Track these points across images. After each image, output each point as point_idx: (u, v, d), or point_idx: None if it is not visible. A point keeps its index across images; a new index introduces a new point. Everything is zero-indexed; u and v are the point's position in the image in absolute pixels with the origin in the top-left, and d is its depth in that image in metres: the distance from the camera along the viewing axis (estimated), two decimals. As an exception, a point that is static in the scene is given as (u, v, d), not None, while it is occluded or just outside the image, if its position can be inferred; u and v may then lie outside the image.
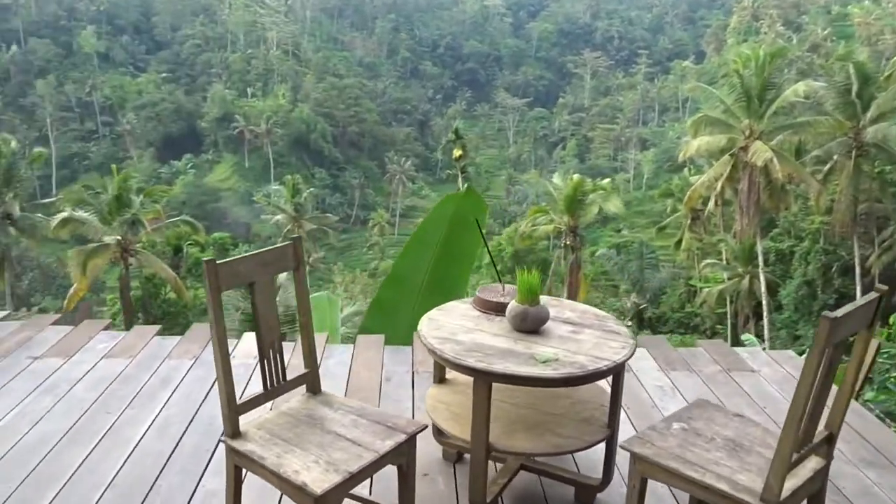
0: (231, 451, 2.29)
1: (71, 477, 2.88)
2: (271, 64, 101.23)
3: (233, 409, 2.31)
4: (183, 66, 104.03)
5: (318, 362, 3.98)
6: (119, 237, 29.37)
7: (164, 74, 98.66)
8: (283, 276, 26.18)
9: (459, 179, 53.90)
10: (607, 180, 31.81)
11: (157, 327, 4.55)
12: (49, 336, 4.27)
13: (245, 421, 2.39)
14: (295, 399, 2.60)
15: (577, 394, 2.99)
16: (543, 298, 3.12)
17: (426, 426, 2.42)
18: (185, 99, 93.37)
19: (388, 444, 2.27)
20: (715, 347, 4.33)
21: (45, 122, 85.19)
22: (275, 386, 2.48)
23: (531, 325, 2.74)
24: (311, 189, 52.65)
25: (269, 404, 2.79)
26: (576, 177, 29.42)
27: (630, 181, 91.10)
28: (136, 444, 3.13)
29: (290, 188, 45.23)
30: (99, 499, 2.75)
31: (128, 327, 26.76)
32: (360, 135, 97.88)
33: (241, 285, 2.37)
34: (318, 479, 2.07)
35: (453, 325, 2.84)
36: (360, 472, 2.15)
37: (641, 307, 42.93)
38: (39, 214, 34.34)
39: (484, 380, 2.49)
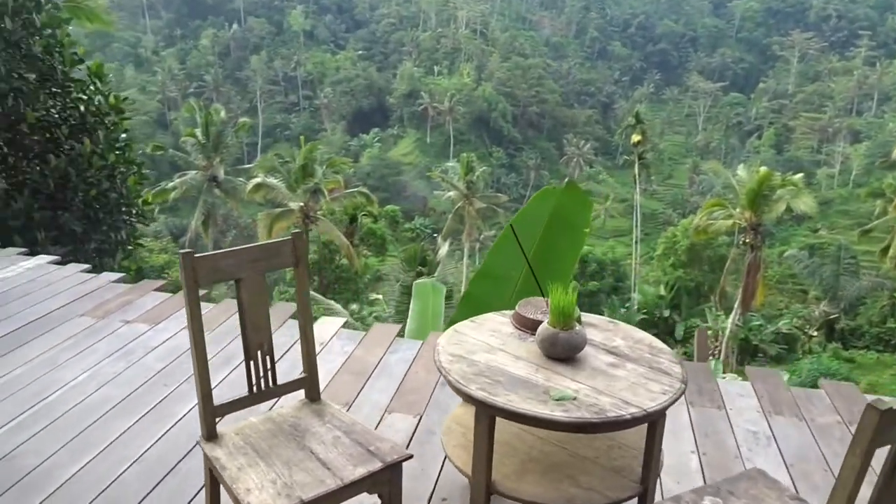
0: (205, 455, 2.18)
1: (107, 447, 2.96)
2: (459, 43, 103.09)
3: (209, 411, 2.19)
4: (377, 44, 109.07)
5: (383, 356, 3.84)
6: (302, 203, 31.47)
7: (360, 52, 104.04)
8: (442, 252, 26.51)
9: (636, 165, 51.70)
10: (799, 175, 28.64)
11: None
12: (147, 302, 4.50)
13: (234, 421, 2.28)
14: (289, 404, 2.43)
15: (622, 435, 2.56)
16: (596, 319, 2.71)
17: (411, 455, 2.14)
18: (377, 75, 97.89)
19: (357, 472, 2.04)
20: (841, 391, 3.58)
21: (255, 94, 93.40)
22: (262, 390, 2.33)
23: (561, 352, 2.35)
24: (485, 168, 52.95)
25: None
26: (763, 170, 26.82)
27: (835, 177, 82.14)
28: (176, 422, 3.17)
29: (465, 166, 45.79)
30: (122, 472, 2.79)
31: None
32: (541, 115, 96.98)
33: (224, 281, 2.23)
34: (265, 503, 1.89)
35: (476, 342, 2.52)
36: (316, 500, 1.94)
37: (832, 317, 38.83)
38: (241, 178, 37.70)
39: (484, 411, 2.17)
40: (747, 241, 28.00)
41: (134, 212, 10.84)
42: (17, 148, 9.38)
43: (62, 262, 5.33)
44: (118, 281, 4.88)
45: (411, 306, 5.96)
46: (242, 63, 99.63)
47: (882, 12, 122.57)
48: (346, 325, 4.25)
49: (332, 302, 23.24)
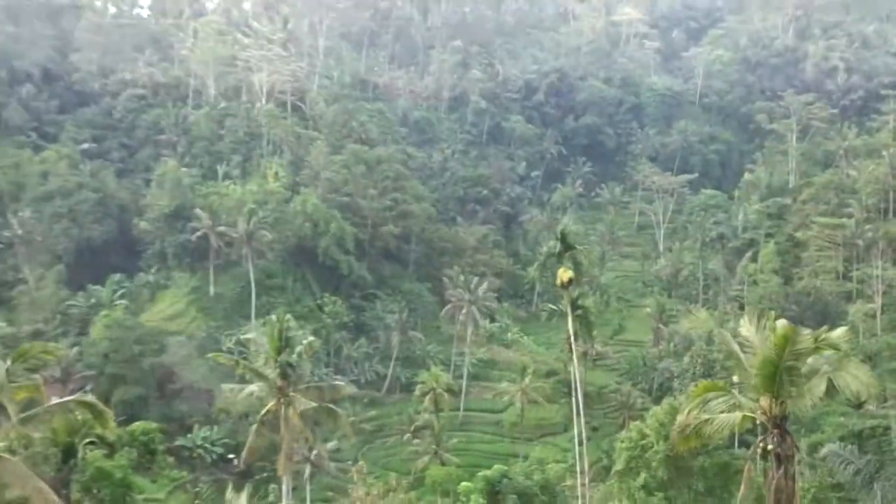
0: None
1: None
2: (258, 125, 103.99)
3: None
4: (116, 132, 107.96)
5: None
6: (-37, 437, 28.75)
7: (85, 145, 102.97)
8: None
9: (569, 318, 52.06)
10: (841, 331, 28.99)
11: None
12: None
13: None
14: None
15: None
16: None
17: None
18: (114, 184, 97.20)
19: None
20: None
21: None
22: None
23: None
24: (311, 339, 51.50)
25: None
26: (781, 325, 26.84)
27: (877, 315, 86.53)
28: None
29: (275, 336, 44.34)
30: None
31: None
32: (404, 239, 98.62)
33: None
34: None
35: None
36: None
37: (914, 560, 39.24)
38: None
39: None
40: (768, 447, 27.69)
41: None
42: None
43: None
44: None
45: None
46: None
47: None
48: None
49: None
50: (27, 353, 31.51)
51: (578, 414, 54.95)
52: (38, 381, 31.53)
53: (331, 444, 68.25)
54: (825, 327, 29.48)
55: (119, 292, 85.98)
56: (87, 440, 32.62)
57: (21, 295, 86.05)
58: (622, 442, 48.32)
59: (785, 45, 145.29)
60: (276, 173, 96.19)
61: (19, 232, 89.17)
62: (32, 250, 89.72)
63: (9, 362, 30.04)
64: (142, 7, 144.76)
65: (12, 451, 30.26)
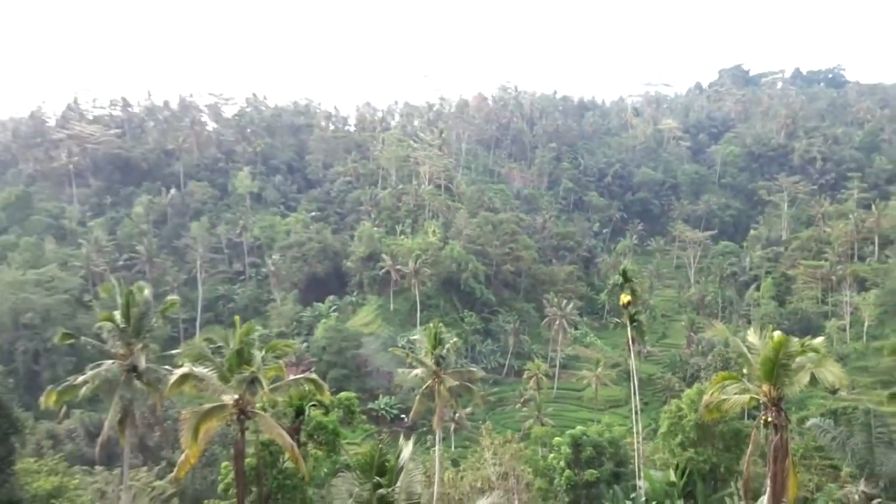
0: None
1: None
2: (422, 199, 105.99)
3: None
4: (332, 204, 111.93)
5: None
6: (237, 396, 29.30)
7: (312, 213, 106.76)
8: (405, 454, 24.37)
9: (628, 329, 50.75)
10: (820, 339, 27.76)
11: None
12: None
13: None
14: None
15: None
16: None
17: None
18: (332, 238, 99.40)
19: None
20: None
21: (194, 265, 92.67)
22: None
23: None
24: (455, 339, 51.69)
25: None
26: (777, 335, 25.69)
27: (846, 329, 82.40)
28: None
29: (432, 338, 44.41)
30: None
31: (240, 501, 25.11)
32: (516, 274, 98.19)
33: None
34: None
35: None
36: None
37: (876, 502, 36.47)
38: (167, 367, 35.43)
39: None
40: (769, 419, 26.42)
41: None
42: None
43: None
44: None
45: None
46: (181, 231, 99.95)
47: (868, 153, 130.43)
48: None
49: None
50: (274, 347, 32.28)
51: (634, 393, 53.39)
52: (281, 364, 32.27)
53: (468, 410, 68.44)
54: (808, 336, 28.22)
55: (333, 308, 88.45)
56: (311, 403, 32.94)
57: (272, 309, 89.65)
58: (665, 413, 46.83)
59: (778, 143, 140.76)
60: (434, 231, 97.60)
61: (272, 269, 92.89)
62: (279, 280, 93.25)
63: (263, 352, 30.83)
64: (350, 125, 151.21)
65: (264, 409, 31.01)
